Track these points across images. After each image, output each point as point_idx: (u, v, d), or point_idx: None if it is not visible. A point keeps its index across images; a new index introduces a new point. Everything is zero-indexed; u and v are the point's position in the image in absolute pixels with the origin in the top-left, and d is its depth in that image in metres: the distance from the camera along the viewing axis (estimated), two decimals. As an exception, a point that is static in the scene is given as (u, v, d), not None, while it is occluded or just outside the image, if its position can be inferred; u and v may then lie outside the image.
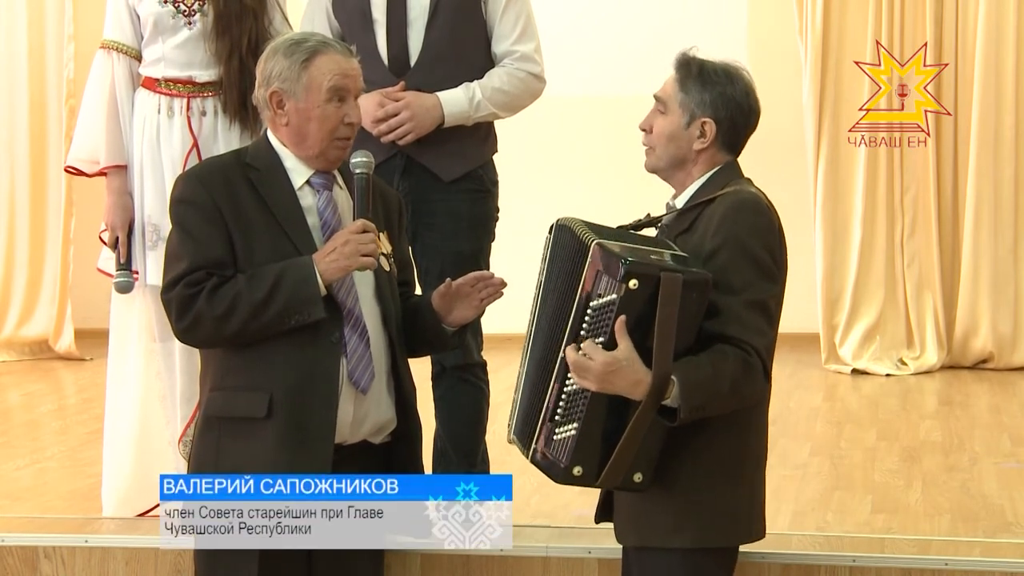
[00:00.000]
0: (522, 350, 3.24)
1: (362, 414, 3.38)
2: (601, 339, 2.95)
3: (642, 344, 2.93)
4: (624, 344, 2.92)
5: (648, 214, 3.27)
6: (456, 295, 3.46)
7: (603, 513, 3.31)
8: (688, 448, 3.04)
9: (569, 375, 2.99)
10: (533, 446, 3.07)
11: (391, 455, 3.47)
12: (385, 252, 3.42)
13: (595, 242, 2.98)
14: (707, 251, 3.05)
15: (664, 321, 2.91)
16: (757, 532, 3.22)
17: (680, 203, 3.20)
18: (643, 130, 3.22)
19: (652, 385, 2.92)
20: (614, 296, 2.92)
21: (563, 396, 3.01)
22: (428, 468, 4.27)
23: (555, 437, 3.02)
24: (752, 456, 3.18)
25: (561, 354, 3.00)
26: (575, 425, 3.00)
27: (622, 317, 2.91)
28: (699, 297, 2.95)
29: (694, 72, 3.16)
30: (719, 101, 3.14)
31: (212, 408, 3.37)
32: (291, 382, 3.29)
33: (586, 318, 2.97)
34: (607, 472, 3.02)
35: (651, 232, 3.29)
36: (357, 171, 3.35)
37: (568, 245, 3.11)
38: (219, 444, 3.34)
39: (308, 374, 3.30)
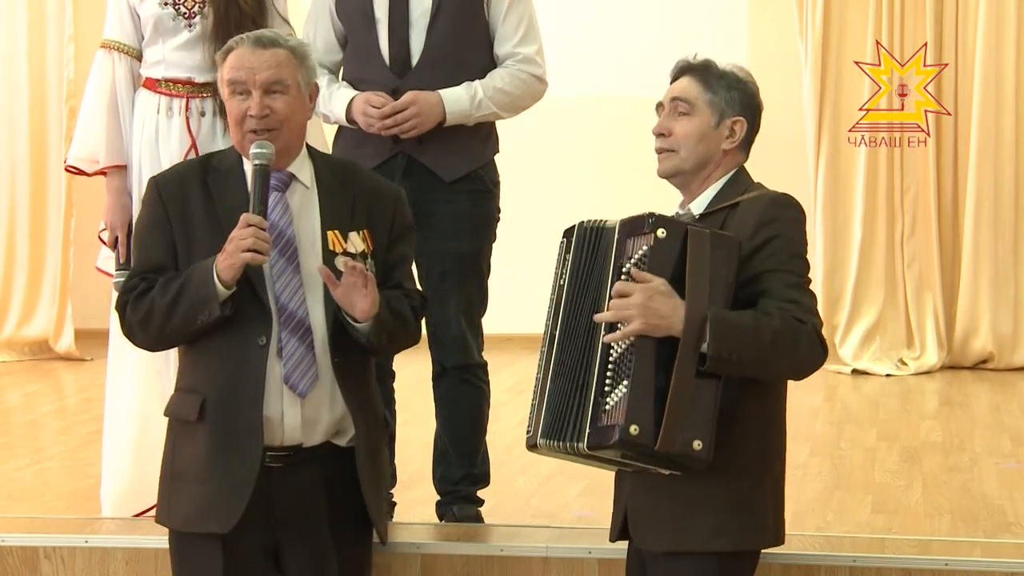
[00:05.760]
0: (541, 354, 3.15)
1: (313, 416, 3.33)
2: None
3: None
4: (658, 278, 2.90)
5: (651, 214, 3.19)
6: (351, 288, 3.27)
7: (622, 532, 3.21)
8: (722, 443, 2.96)
9: (612, 348, 2.93)
10: (588, 429, 2.94)
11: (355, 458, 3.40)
12: (354, 252, 3.37)
13: (619, 220, 2.99)
14: (755, 245, 3.01)
15: (695, 268, 2.90)
16: (782, 535, 3.19)
17: (697, 208, 3.13)
18: (660, 135, 3.16)
19: (686, 318, 2.88)
20: (645, 248, 2.92)
21: (609, 366, 2.94)
22: (428, 468, 4.29)
23: (606, 406, 2.93)
24: (779, 456, 3.16)
25: (601, 335, 2.94)
26: (625, 383, 2.91)
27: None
28: (728, 257, 2.94)
29: (715, 72, 3.14)
30: (745, 100, 3.14)
31: (167, 409, 3.44)
32: (220, 384, 3.30)
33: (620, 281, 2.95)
34: (664, 431, 2.89)
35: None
36: (254, 162, 3.32)
37: (588, 238, 3.07)
38: (174, 444, 3.39)
39: (235, 377, 3.29)
